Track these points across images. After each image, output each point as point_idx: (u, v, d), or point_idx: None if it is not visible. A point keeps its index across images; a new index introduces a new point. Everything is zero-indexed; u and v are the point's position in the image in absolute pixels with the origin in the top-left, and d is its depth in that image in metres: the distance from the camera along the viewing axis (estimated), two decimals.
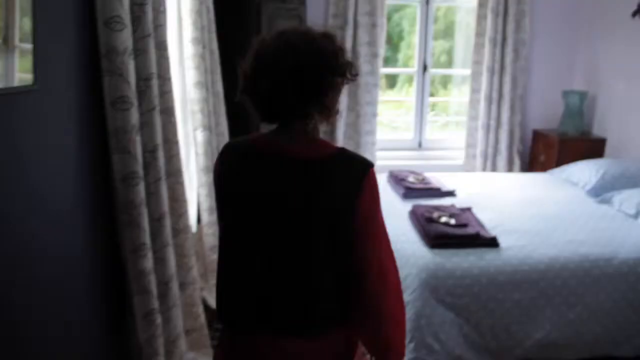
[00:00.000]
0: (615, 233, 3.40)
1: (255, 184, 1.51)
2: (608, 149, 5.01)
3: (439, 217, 3.25)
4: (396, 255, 2.84)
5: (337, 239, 1.49)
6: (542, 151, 5.23)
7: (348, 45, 4.92)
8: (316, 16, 4.95)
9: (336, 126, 5.03)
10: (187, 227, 2.61)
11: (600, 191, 4.11)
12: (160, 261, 2.27)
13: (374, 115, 5.15)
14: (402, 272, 2.87)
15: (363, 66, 5.02)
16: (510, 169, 5.40)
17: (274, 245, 1.51)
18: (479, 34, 5.23)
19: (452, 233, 3.06)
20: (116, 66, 1.85)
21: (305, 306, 1.52)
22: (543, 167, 5.15)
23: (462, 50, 5.67)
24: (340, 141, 5.07)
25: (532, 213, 3.67)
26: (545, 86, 5.46)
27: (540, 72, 5.44)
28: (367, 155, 5.01)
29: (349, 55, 1.59)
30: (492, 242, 3.08)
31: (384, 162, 5.29)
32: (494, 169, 5.40)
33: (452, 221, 3.22)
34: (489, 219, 3.47)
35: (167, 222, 2.28)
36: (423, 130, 5.59)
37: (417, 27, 5.37)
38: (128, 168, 1.97)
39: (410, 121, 5.62)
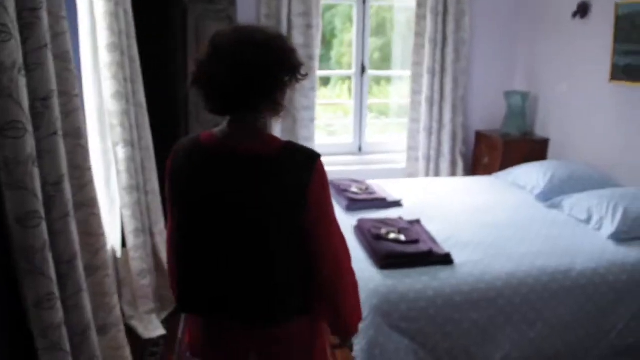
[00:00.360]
0: (570, 241, 3.26)
1: (206, 182, 1.54)
2: (551, 149, 4.92)
3: (388, 233, 3.02)
4: None
5: (291, 232, 1.53)
6: (485, 153, 5.10)
7: None
8: (247, 17, 4.65)
9: (272, 132, 4.73)
10: (105, 262, 2.27)
11: (549, 195, 3.99)
12: (73, 310, 1.93)
13: (312, 120, 4.90)
14: None
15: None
16: (453, 171, 5.26)
17: (229, 243, 1.54)
18: (419, 34, 5.04)
19: (402, 251, 2.83)
20: (3, 85, 1.51)
21: (265, 300, 1.57)
22: (487, 169, 5.02)
23: (400, 50, 5.48)
24: None
25: (482, 221, 3.49)
26: (487, 87, 5.34)
27: (482, 73, 5.32)
28: None
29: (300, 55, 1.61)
30: (446, 259, 2.87)
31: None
32: (437, 171, 5.25)
33: (402, 237, 2.99)
34: (439, 231, 3.27)
35: (79, 264, 1.94)
36: (363, 134, 5.37)
37: (354, 28, 5.14)
38: (25, 207, 1.62)
39: (349, 124, 5.38)
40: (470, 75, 5.26)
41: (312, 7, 4.67)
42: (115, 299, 2.39)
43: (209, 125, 4.02)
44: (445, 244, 3.09)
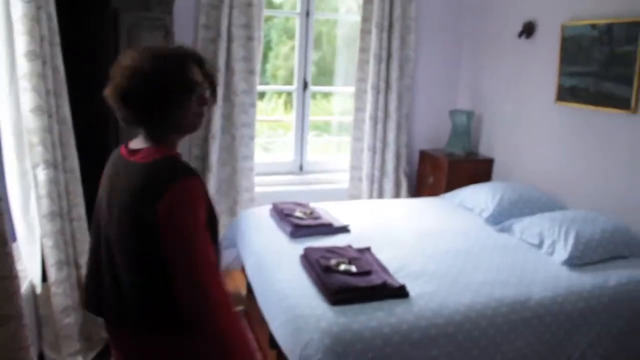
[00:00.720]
0: (525, 268, 3.14)
1: (104, 188, 1.66)
2: (496, 169, 4.84)
3: (338, 264, 2.79)
4: (293, 314, 2.28)
5: (144, 247, 1.51)
6: (429, 172, 4.97)
7: (221, 60, 4.37)
8: (185, 27, 4.36)
9: (209, 150, 4.45)
10: (19, 311, 1.93)
11: (499, 218, 3.88)
12: None
13: (251, 138, 4.63)
14: (302, 338, 2.39)
15: (238, 84, 4.49)
16: (397, 191, 5.10)
17: (106, 248, 1.61)
18: (363, 49, 4.88)
19: (355, 285, 2.61)
20: None
21: (120, 306, 1.59)
22: (431, 189, 4.89)
23: (342, 65, 5.31)
24: (214, 167, 4.50)
25: (433, 248, 3.33)
26: (431, 105, 5.23)
27: (426, 91, 5.20)
28: (244, 182, 4.52)
29: (206, 72, 1.65)
30: (401, 292, 2.67)
31: (263, 188, 4.81)
32: (380, 192, 5.08)
33: (353, 268, 2.78)
34: (390, 260, 3.07)
35: None
36: (304, 152, 5.14)
37: (297, 42, 4.92)
38: None
39: (290, 142, 5.15)
40: (414, 93, 5.14)
41: (254, 18, 4.42)
42: (32, 352, 2.05)
43: None
44: (398, 275, 2.89)
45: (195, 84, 1.59)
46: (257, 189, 4.75)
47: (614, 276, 3.10)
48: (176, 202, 1.48)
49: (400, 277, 2.85)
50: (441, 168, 4.81)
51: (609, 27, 3.67)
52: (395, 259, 3.08)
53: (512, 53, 4.61)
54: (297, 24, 4.90)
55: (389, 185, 5.04)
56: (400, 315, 2.52)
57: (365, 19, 4.81)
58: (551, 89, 4.19)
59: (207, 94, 1.64)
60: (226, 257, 3.99)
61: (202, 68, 1.64)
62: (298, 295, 2.63)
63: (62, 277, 2.95)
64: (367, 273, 2.75)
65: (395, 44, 4.84)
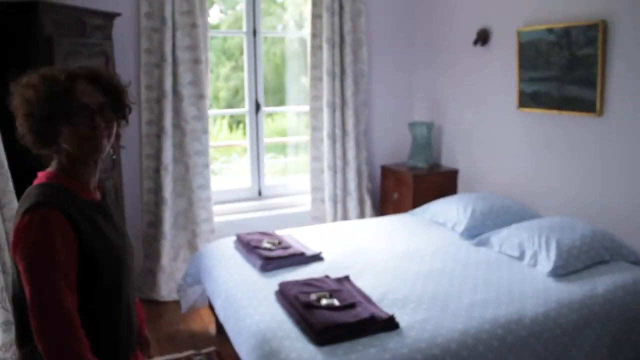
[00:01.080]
0: (511, 283, 2.99)
1: None
2: (461, 180, 4.73)
3: (319, 299, 2.57)
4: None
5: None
6: (393, 188, 4.81)
7: (167, 85, 4.11)
8: (125, 52, 4.09)
9: (162, 182, 4.17)
10: None
11: (473, 231, 3.74)
12: None
13: (206, 166, 4.37)
14: None
15: (188, 110, 4.24)
16: (362, 210, 4.92)
17: None
18: (315, 66, 4.70)
19: (342, 321, 2.38)
20: None
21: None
22: (397, 205, 4.73)
23: (291, 83, 5.11)
24: (169, 199, 4.21)
25: (415, 270, 3.14)
26: (389, 119, 5.09)
27: (383, 105, 5.07)
28: (202, 212, 4.26)
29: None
30: (391, 323, 2.46)
31: (221, 217, 4.55)
32: (344, 212, 4.88)
33: (336, 302, 2.56)
34: (372, 287, 2.87)
35: None
36: (262, 176, 4.91)
37: (245, 62, 4.70)
38: None
39: (245, 167, 4.90)
40: (371, 108, 4.99)
41: (199, 40, 4.18)
42: None
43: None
44: (383, 303, 2.69)
45: (78, 107, 1.47)
46: (216, 219, 4.49)
47: (600, 283, 3.00)
48: (21, 232, 1.41)
49: (385, 306, 2.65)
50: (405, 183, 4.66)
51: (566, 31, 3.60)
52: (377, 286, 2.88)
53: (468, 61, 4.51)
54: (244, 43, 4.68)
55: (352, 204, 4.86)
56: (394, 351, 2.31)
57: (315, 34, 4.63)
58: (512, 96, 4.10)
59: (101, 115, 1.50)
60: (191, 295, 3.70)
61: (101, 86, 1.53)
62: (280, 337, 2.39)
63: None
64: (352, 306, 2.53)
65: (348, 59, 4.68)
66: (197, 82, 4.25)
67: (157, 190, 4.22)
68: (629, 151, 3.35)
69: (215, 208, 4.53)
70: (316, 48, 4.66)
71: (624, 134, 3.36)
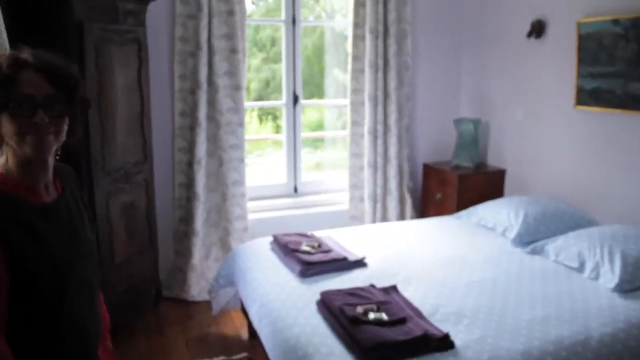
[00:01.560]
0: (573, 298, 2.72)
1: None
2: (508, 182, 4.46)
3: (366, 312, 2.34)
4: None
5: None
6: (436, 188, 4.56)
7: (202, 75, 3.91)
8: (159, 40, 3.91)
9: (194, 176, 3.98)
10: None
11: (526, 238, 3.47)
12: None
13: (241, 160, 4.17)
14: None
15: (224, 101, 4.04)
16: (402, 210, 4.68)
17: None
18: (357, 57, 4.45)
19: (392, 339, 2.16)
20: None
21: None
22: (439, 206, 4.49)
23: (332, 75, 4.88)
24: (201, 195, 4.02)
25: (465, 280, 2.90)
26: (434, 115, 4.84)
27: (427, 99, 4.81)
28: (235, 209, 4.08)
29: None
30: (445, 342, 2.22)
31: (255, 214, 4.35)
32: (384, 211, 4.65)
33: (384, 316, 2.33)
34: (422, 299, 2.64)
35: None
36: (298, 173, 4.69)
37: (283, 52, 4.48)
38: None
39: (282, 162, 4.69)
40: (414, 102, 4.73)
41: (237, 28, 3.97)
42: None
43: (117, 175, 3.20)
44: (435, 318, 2.46)
45: (20, 97, 1.28)
46: (250, 216, 4.29)
47: None
48: None
49: (437, 322, 2.42)
50: (449, 183, 4.40)
51: (635, 22, 3.30)
52: (427, 298, 2.65)
53: (520, 55, 4.23)
54: (282, 32, 4.46)
55: (392, 203, 4.62)
56: None
57: (358, 24, 4.39)
58: (569, 93, 3.81)
59: (48, 108, 1.31)
60: (223, 296, 3.51)
61: (51, 76, 1.33)
62: (323, 354, 2.17)
63: None
64: (402, 321, 2.30)
65: (392, 50, 4.43)
66: (234, 73, 4.05)
67: (190, 185, 4.04)
68: None
69: (249, 205, 4.33)
70: (358, 38, 4.42)
71: None
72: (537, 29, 4.03)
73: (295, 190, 4.69)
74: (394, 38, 4.42)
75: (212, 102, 4.03)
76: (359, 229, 3.80)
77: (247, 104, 4.36)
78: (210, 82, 4.00)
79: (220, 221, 4.18)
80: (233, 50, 4.01)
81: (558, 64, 3.90)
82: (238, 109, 4.10)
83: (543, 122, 4.08)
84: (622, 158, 3.49)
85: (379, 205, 4.58)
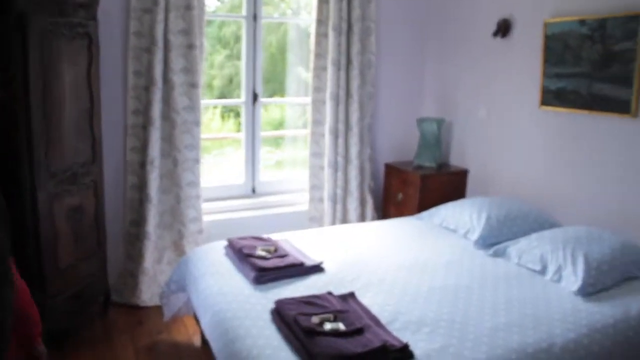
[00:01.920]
0: (535, 303, 2.66)
1: None
2: (470, 182, 4.39)
3: (322, 322, 2.22)
4: None
5: None
6: (398, 188, 4.47)
7: (157, 72, 3.74)
8: (112, 35, 3.72)
9: (147, 178, 3.81)
10: None
11: (489, 240, 3.41)
12: None
13: (197, 161, 4.00)
14: None
15: (179, 99, 3.87)
16: (363, 211, 4.58)
17: None
18: (319, 55, 4.33)
19: (349, 351, 2.04)
20: None
21: None
22: (401, 207, 4.40)
23: (293, 72, 4.74)
24: (154, 197, 3.85)
25: (427, 285, 2.80)
26: (396, 114, 4.74)
27: (390, 99, 4.71)
28: (190, 211, 3.92)
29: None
30: (405, 354, 2.12)
31: (211, 216, 4.19)
32: (344, 212, 4.54)
33: (341, 326, 2.21)
34: (380, 307, 2.53)
35: None
36: (257, 173, 4.55)
37: (243, 49, 4.33)
38: None
39: (240, 162, 4.54)
40: (377, 101, 4.63)
41: (194, 23, 3.81)
42: None
43: (63, 177, 3.01)
44: (394, 326, 2.35)
45: None
46: (205, 218, 4.13)
47: (634, 304, 2.69)
48: None
49: (397, 330, 2.31)
50: (411, 183, 4.32)
51: (602, 23, 3.26)
52: (386, 305, 2.54)
53: (485, 54, 4.17)
54: (243, 29, 4.31)
55: (353, 204, 4.51)
56: None
57: (321, 21, 4.27)
58: (533, 93, 3.76)
59: None
60: (174, 302, 3.35)
61: None
62: None
63: None
64: (359, 331, 2.19)
65: (355, 48, 4.32)
66: (191, 70, 3.88)
67: (142, 186, 3.86)
68: None
69: (205, 206, 4.17)
70: (321, 36, 4.30)
71: None
72: (503, 29, 3.97)
73: (254, 190, 4.54)
74: (358, 36, 4.31)
75: (167, 100, 3.86)
76: (317, 231, 3.67)
77: (205, 102, 4.20)
78: (166, 79, 3.82)
79: (173, 223, 4.01)
80: (190, 46, 3.85)
81: (523, 64, 3.84)
82: (194, 107, 3.93)
83: (507, 122, 4.02)
84: (586, 159, 3.45)
85: (339, 206, 4.47)
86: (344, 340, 2.11)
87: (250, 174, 4.52)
